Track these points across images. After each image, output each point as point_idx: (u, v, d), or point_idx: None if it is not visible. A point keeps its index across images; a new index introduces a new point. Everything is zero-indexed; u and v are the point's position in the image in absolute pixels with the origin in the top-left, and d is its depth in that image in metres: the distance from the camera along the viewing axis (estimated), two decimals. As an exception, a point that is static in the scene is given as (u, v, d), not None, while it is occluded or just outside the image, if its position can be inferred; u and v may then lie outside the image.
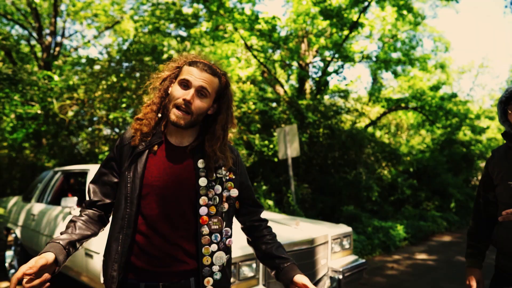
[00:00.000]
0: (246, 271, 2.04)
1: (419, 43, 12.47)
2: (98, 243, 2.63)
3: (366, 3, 10.45)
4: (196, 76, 1.13)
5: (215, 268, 1.13)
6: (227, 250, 1.18)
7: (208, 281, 1.12)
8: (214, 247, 1.14)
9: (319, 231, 2.63)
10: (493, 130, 17.99)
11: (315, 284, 2.40)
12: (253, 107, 7.23)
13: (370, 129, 11.66)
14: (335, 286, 2.40)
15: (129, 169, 1.14)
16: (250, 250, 2.05)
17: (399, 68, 15.77)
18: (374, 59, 11.37)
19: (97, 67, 6.62)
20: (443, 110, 11.78)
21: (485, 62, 47.86)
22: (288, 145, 6.03)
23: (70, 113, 6.44)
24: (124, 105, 6.63)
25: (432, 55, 14.70)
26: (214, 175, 1.17)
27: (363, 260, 2.91)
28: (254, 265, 2.10)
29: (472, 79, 41.79)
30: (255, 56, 11.13)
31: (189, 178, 1.15)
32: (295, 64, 12.56)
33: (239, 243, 2.12)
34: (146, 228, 1.11)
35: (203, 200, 1.14)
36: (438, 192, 10.07)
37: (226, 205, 1.19)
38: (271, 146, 6.73)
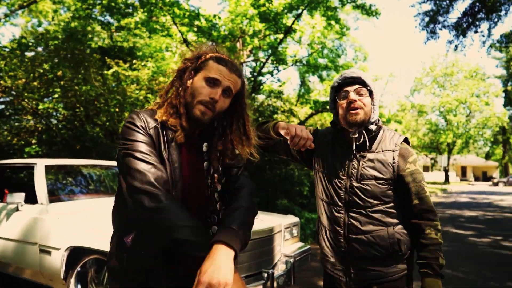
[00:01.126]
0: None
1: (344, 51, 13.62)
2: (56, 239, 2.60)
3: (299, 10, 11.12)
4: (225, 76, 1.14)
5: None
6: None
7: None
8: (214, 228, 1.18)
9: (275, 221, 2.94)
10: (399, 132, 20.44)
11: (272, 268, 2.70)
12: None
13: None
14: (289, 269, 2.73)
15: (170, 157, 1.12)
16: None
17: (324, 73, 17.07)
18: (305, 63, 12.13)
19: (29, 54, 6.09)
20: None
21: (394, 72, 53.05)
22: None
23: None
24: (56, 95, 6.21)
25: (353, 63, 16.15)
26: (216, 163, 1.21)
27: (309, 246, 3.31)
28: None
29: (382, 86, 46.29)
30: (192, 52, 11.10)
31: (200, 163, 1.19)
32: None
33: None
34: None
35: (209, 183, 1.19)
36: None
37: (219, 186, 1.22)
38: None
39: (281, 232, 3.00)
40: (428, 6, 10.45)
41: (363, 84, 1.40)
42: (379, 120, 1.45)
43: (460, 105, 34.92)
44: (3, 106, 6.04)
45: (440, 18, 11.12)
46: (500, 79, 37.79)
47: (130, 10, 10.54)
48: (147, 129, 1.11)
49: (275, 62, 11.26)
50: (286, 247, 3.10)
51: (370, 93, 1.42)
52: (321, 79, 17.70)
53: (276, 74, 11.27)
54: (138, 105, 6.99)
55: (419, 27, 10.93)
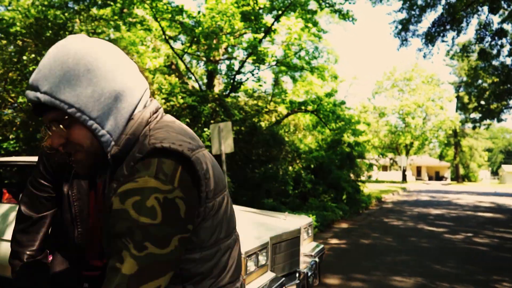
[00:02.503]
0: (261, 259, 2.30)
1: (320, 54, 13.98)
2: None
3: (280, 12, 11.28)
4: None
5: None
6: None
7: None
8: None
9: (298, 222, 3.03)
10: (367, 134, 21.30)
11: (297, 267, 2.79)
12: (181, 101, 7.20)
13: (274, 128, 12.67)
14: (315, 268, 2.83)
15: None
16: (265, 240, 2.33)
17: (297, 74, 17.43)
18: (285, 64, 12.32)
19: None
20: (335, 114, 13.50)
21: (358, 75, 54.76)
22: (222, 141, 6.28)
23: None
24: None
25: (326, 66, 16.58)
26: None
27: (322, 246, 3.43)
28: (265, 254, 2.37)
29: (346, 88, 47.83)
30: (172, 48, 10.90)
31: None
32: (203, 59, 12.72)
33: (255, 234, 2.37)
34: None
35: None
36: (331, 186, 11.61)
37: None
38: (202, 140, 6.86)
39: (302, 232, 3.09)
40: (402, 15, 11.01)
41: None
42: None
43: (417, 109, 37.03)
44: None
45: (412, 27, 11.72)
46: (453, 86, 40.49)
47: (108, 1, 10.16)
48: None
49: (255, 62, 11.31)
50: (304, 246, 3.19)
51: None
52: (294, 79, 18.05)
53: (257, 73, 11.33)
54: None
55: (393, 34, 11.47)
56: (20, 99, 5.84)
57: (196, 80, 12.28)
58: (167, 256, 0.65)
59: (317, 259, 2.90)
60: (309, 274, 2.67)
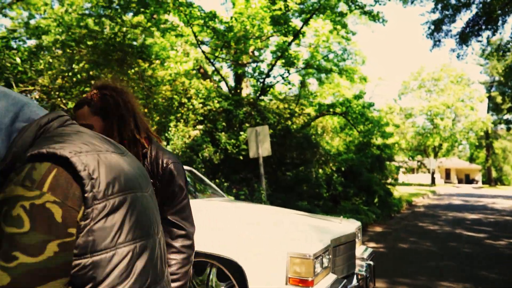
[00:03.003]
0: (325, 261, 2.38)
1: (349, 56, 13.90)
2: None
3: (309, 15, 11.31)
4: None
5: None
6: None
7: None
8: None
9: (352, 225, 3.08)
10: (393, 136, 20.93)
11: (353, 272, 2.84)
12: (217, 105, 7.37)
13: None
14: (371, 271, 2.87)
15: None
16: (327, 242, 2.40)
17: (323, 76, 17.35)
18: (314, 67, 12.33)
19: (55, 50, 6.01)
20: (364, 116, 13.37)
21: (383, 75, 53.72)
22: (260, 144, 6.39)
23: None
24: (85, 95, 6.17)
25: (354, 67, 16.44)
26: None
27: (372, 249, 3.46)
28: (327, 256, 2.44)
29: (372, 89, 47.04)
30: (203, 52, 11.15)
31: None
32: (232, 63, 12.91)
33: (317, 237, 2.45)
34: None
35: None
36: (362, 189, 11.51)
37: None
38: (237, 144, 7.00)
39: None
40: (435, 15, 10.81)
41: None
42: None
43: (446, 110, 36.00)
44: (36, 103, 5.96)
45: (445, 27, 11.49)
46: (484, 85, 39.12)
47: (143, 9, 10.49)
48: None
49: (285, 65, 11.38)
50: (356, 249, 3.24)
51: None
52: (320, 82, 17.98)
53: (287, 76, 11.40)
54: (163, 104, 7.00)
55: (425, 35, 11.27)
56: (70, 105, 6.16)
57: (226, 84, 12.49)
58: (43, 263, 0.62)
59: (371, 262, 2.95)
60: (366, 276, 2.72)
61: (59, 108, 6.25)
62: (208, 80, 9.05)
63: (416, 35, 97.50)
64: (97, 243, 0.68)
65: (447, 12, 10.75)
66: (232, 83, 14.23)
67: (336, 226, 2.79)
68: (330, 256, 2.47)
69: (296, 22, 11.90)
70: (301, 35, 11.72)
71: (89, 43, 7.33)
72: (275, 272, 2.21)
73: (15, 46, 6.40)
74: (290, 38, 11.24)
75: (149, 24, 10.88)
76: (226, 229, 2.58)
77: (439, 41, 11.38)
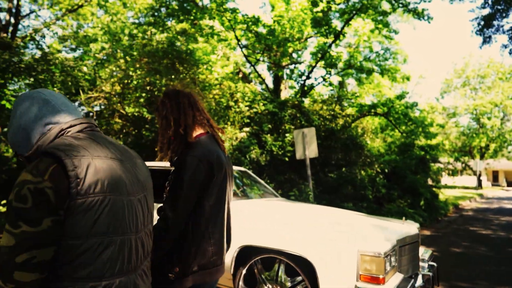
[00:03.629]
0: (393, 261, 2.44)
1: (392, 55, 13.61)
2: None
3: (350, 15, 11.21)
4: None
5: None
6: None
7: None
8: None
9: (413, 227, 3.11)
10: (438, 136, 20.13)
11: (416, 273, 2.87)
12: (262, 108, 7.54)
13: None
14: (435, 272, 2.89)
15: None
16: (394, 242, 2.45)
17: (362, 76, 17.03)
18: (357, 67, 12.21)
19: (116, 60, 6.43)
20: (407, 117, 13.01)
21: (424, 73, 51.86)
22: (307, 146, 6.47)
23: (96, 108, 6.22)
24: (142, 100, 6.56)
25: (398, 67, 16.04)
26: None
27: (431, 250, 3.45)
28: (394, 256, 2.50)
29: (411, 88, 45.47)
30: (245, 56, 11.39)
31: None
32: (272, 65, 13.03)
33: (384, 236, 2.51)
34: None
35: None
36: (407, 191, 11.23)
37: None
38: (283, 145, 7.12)
39: (416, 237, 3.16)
40: (486, 11, 10.36)
41: None
42: None
43: (494, 108, 34.05)
44: (97, 108, 6.43)
45: (496, 23, 10.99)
46: (536, 82, 36.54)
47: (187, 16, 10.89)
48: None
49: (327, 66, 11.36)
50: (417, 251, 3.25)
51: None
52: (359, 82, 17.68)
53: (328, 77, 11.37)
54: (213, 108, 7.27)
55: (474, 32, 10.83)
56: (127, 109, 6.57)
57: (267, 86, 12.65)
58: (39, 233, 0.82)
59: (435, 264, 2.96)
60: (431, 277, 2.75)
61: (117, 113, 6.68)
62: (251, 83, 9.25)
63: (455, 32, 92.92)
64: (73, 230, 0.86)
65: (499, 7, 10.27)
66: (270, 85, 14.38)
67: (400, 227, 2.84)
68: (397, 256, 2.53)
69: (335, 23, 11.85)
70: (341, 36, 11.64)
71: (147, 49, 7.75)
72: (346, 269, 2.30)
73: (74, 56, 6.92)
74: (331, 39, 11.21)
75: (192, 30, 11.30)
76: (294, 227, 2.71)
77: (490, 37, 10.88)
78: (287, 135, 7.30)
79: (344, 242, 2.40)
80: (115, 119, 6.65)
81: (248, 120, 7.32)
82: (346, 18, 11.23)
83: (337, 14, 12.03)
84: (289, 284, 2.62)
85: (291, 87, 16.81)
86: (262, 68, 18.21)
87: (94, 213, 0.89)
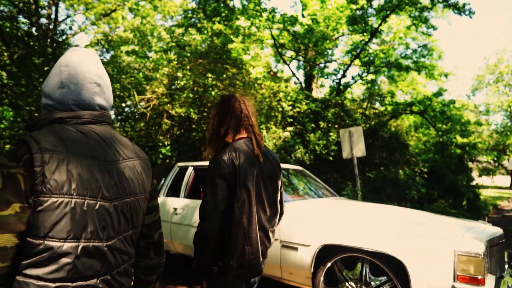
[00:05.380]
0: (487, 262, 2.39)
1: (430, 52, 13.28)
2: (304, 236, 2.86)
3: (388, 12, 11.00)
4: None
5: None
6: None
7: None
8: None
9: (495, 228, 3.04)
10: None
11: (503, 272, 2.80)
12: (305, 107, 7.54)
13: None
14: (517, 273, 2.81)
15: None
16: (485, 243, 2.40)
17: (394, 74, 16.68)
18: (395, 65, 11.98)
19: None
20: (444, 115, 12.66)
21: (454, 70, 50.30)
22: (354, 145, 6.42)
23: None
24: (190, 100, 6.69)
25: (436, 64, 15.63)
26: None
27: (507, 252, 3.36)
28: (488, 257, 2.44)
29: (440, 84, 44.10)
30: (280, 55, 11.39)
31: None
32: (307, 64, 12.95)
33: (474, 236, 2.47)
34: None
35: None
36: (448, 191, 10.93)
37: None
38: (327, 145, 7.09)
39: (495, 238, 3.09)
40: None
41: None
42: None
43: (531, 105, 32.63)
44: (144, 110, 6.61)
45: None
46: None
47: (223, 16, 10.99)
48: None
49: (363, 64, 11.20)
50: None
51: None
52: (392, 80, 17.33)
53: (365, 76, 11.22)
54: (257, 108, 7.33)
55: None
56: (176, 110, 6.71)
57: (301, 85, 12.60)
58: (5, 217, 0.80)
59: (518, 266, 2.88)
60: (519, 279, 2.68)
61: (166, 113, 6.84)
62: (293, 83, 9.26)
63: (487, 26, 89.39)
64: (34, 228, 0.83)
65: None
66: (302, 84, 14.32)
67: (486, 227, 2.78)
68: (488, 256, 2.48)
69: (370, 20, 11.65)
70: (378, 33, 11.46)
71: (200, 49, 7.85)
72: (441, 269, 2.28)
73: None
74: (367, 37, 11.05)
75: (227, 31, 11.40)
76: (378, 225, 2.70)
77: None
78: (330, 134, 7.26)
79: (437, 241, 2.38)
80: (164, 119, 6.81)
81: (291, 120, 7.33)
82: (383, 15, 11.04)
83: (372, 11, 11.82)
84: (374, 283, 2.61)
85: (321, 86, 16.66)
86: (303, 67, 18.11)
87: (55, 216, 0.84)
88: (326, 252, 2.77)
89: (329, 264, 2.77)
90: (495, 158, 16.88)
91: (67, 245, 0.85)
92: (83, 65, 1.00)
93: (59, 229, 0.84)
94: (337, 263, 2.78)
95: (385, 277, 2.57)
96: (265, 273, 3.13)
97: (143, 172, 1.06)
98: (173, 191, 4.08)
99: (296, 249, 2.88)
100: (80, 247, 0.87)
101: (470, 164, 14.60)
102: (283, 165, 4.18)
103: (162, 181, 4.21)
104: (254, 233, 1.57)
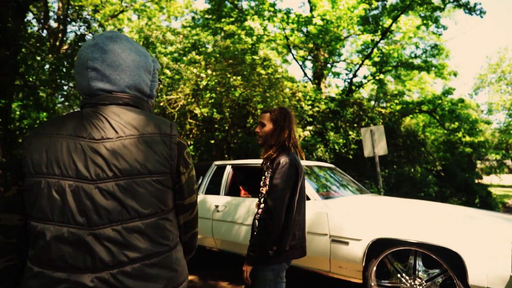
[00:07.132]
0: None
1: (440, 51, 13.37)
2: (355, 231, 2.95)
3: (399, 12, 11.09)
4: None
5: None
6: None
7: None
8: None
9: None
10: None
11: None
12: (324, 106, 7.63)
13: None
14: None
15: None
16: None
17: (401, 72, 16.77)
18: (408, 65, 12.08)
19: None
20: (454, 114, 12.76)
21: (456, 69, 50.11)
22: (375, 144, 6.52)
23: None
24: (212, 101, 6.77)
25: (447, 63, 15.71)
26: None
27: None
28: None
29: (448, 83, 44.18)
30: (293, 55, 11.48)
31: None
32: (319, 64, 13.03)
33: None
34: None
35: None
36: (460, 189, 11.03)
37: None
38: (347, 143, 7.19)
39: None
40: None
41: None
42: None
43: (533, 104, 32.75)
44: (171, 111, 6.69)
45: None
46: None
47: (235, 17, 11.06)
48: None
49: (375, 64, 11.30)
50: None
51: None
52: (399, 79, 17.43)
53: (378, 75, 11.31)
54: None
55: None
56: (198, 110, 6.80)
57: (313, 83, 12.69)
58: (5, 198, 0.88)
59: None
60: None
61: (189, 114, 6.92)
62: (309, 82, 9.35)
63: (488, 26, 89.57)
64: (26, 208, 0.88)
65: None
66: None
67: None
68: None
69: (383, 20, 11.74)
70: (389, 33, 11.56)
71: (228, 51, 7.90)
72: (499, 261, 2.37)
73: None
74: (378, 36, 11.15)
75: (240, 31, 11.48)
76: (430, 219, 2.78)
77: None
78: (350, 133, 7.36)
79: (493, 233, 2.47)
80: (188, 119, 6.90)
81: (310, 119, 7.43)
82: (394, 15, 11.14)
83: (383, 11, 11.91)
84: (427, 275, 2.71)
85: (329, 85, 16.72)
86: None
87: (33, 195, 0.85)
88: (378, 246, 2.86)
89: (381, 257, 2.86)
90: (503, 156, 16.96)
91: (41, 226, 0.84)
92: (80, 52, 0.96)
93: (36, 209, 0.85)
94: (388, 256, 2.87)
95: (439, 270, 2.66)
96: (313, 267, 3.22)
97: (149, 150, 0.90)
98: (212, 189, 4.17)
99: (347, 243, 2.97)
100: (52, 229, 0.83)
101: (478, 162, 14.70)
102: (315, 163, 4.28)
103: (200, 180, 4.30)
104: (302, 220, 1.94)
